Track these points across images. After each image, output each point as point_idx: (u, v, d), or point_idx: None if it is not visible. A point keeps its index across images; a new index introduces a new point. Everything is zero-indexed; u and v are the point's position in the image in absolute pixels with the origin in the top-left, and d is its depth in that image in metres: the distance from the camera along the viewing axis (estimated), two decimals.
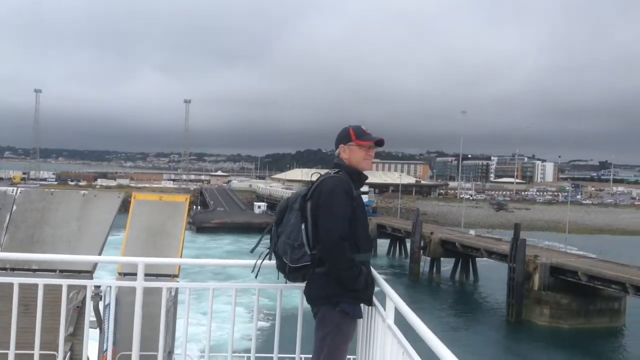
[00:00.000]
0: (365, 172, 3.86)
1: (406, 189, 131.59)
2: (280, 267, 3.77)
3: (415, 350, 2.95)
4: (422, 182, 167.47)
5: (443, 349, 2.41)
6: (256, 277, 3.95)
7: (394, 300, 3.35)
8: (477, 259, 51.44)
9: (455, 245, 50.83)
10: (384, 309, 3.50)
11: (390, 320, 3.39)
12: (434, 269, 52.58)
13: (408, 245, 58.10)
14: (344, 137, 3.82)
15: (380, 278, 3.79)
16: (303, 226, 3.62)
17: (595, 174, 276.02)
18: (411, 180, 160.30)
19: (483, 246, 48.12)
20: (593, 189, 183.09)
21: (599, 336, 36.40)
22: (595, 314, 38.12)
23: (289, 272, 3.70)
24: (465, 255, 51.36)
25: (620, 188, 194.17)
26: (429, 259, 52.82)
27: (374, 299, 3.75)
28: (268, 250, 3.87)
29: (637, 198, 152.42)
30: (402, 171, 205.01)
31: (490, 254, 46.66)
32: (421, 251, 52.82)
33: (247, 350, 4.50)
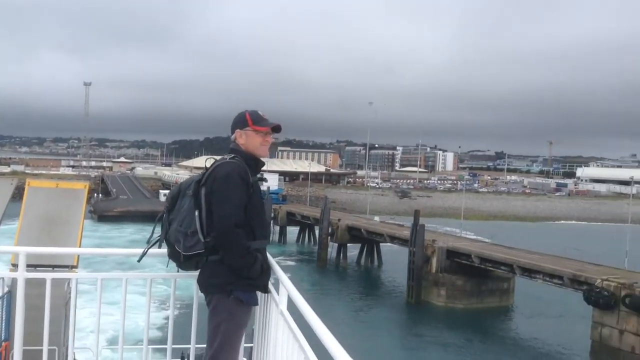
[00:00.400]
0: (263, 159, 3.79)
1: (316, 177, 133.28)
2: (173, 255, 3.65)
3: (308, 336, 2.93)
4: (332, 170, 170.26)
5: (328, 335, 2.40)
6: (139, 261, 3.87)
7: (287, 287, 3.33)
8: (381, 244, 53.40)
9: (361, 231, 52.42)
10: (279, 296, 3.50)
11: (283, 306, 3.38)
12: (341, 255, 53.97)
13: (317, 232, 59.09)
14: (240, 122, 3.74)
15: (275, 265, 3.76)
16: (197, 213, 3.52)
17: (491, 164, 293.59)
18: (321, 168, 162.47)
19: (386, 232, 50.02)
20: (489, 177, 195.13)
21: (490, 314, 39.14)
22: (487, 294, 40.90)
23: (182, 261, 3.60)
24: (370, 240, 53.17)
25: (514, 177, 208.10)
26: (336, 245, 54.10)
27: (270, 286, 3.72)
28: (158, 238, 3.75)
29: (528, 186, 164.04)
30: (312, 160, 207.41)
31: (393, 239, 48.61)
32: (329, 237, 53.96)
33: (153, 341, 4.46)
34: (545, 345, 32.72)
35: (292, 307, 3.23)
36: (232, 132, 3.79)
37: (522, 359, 30.68)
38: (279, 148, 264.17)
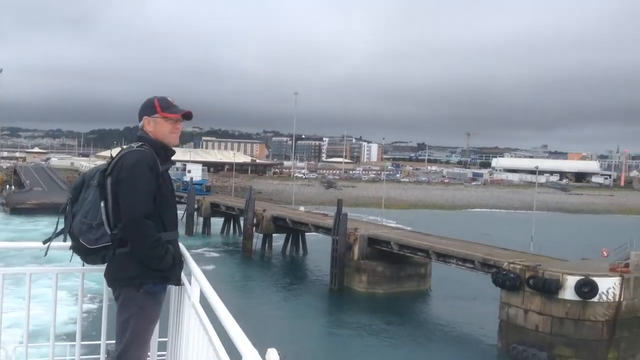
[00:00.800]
0: (173, 148, 3.66)
1: (242, 167, 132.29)
2: (77, 248, 3.50)
3: (220, 330, 2.90)
4: (258, 161, 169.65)
5: (236, 329, 2.38)
6: (45, 255, 3.72)
7: (199, 279, 3.24)
8: (306, 233, 54.13)
9: (286, 221, 52.93)
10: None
11: (196, 299, 3.31)
12: (266, 245, 54.26)
13: (242, 222, 59.01)
14: (148, 108, 3.59)
15: (188, 256, 3.67)
16: (102, 204, 3.38)
17: (413, 155, 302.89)
18: (247, 159, 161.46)
19: (311, 221, 50.84)
20: (411, 168, 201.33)
21: (409, 298, 40.90)
22: (405, 279, 42.66)
23: (87, 254, 3.47)
24: (295, 230, 53.81)
25: (434, 167, 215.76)
26: (261, 235, 54.32)
27: (184, 279, 3.62)
28: (61, 230, 3.57)
29: (447, 176, 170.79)
30: (238, 150, 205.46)
31: (317, 228, 49.50)
32: (254, 228, 54.08)
33: (69, 337, 4.39)
34: (458, 326, 34.68)
35: (206, 300, 3.20)
36: (140, 120, 3.63)
37: (437, 339, 32.39)
38: (204, 138, 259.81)
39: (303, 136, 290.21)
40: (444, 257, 37.10)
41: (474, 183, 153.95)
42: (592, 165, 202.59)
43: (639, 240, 31.51)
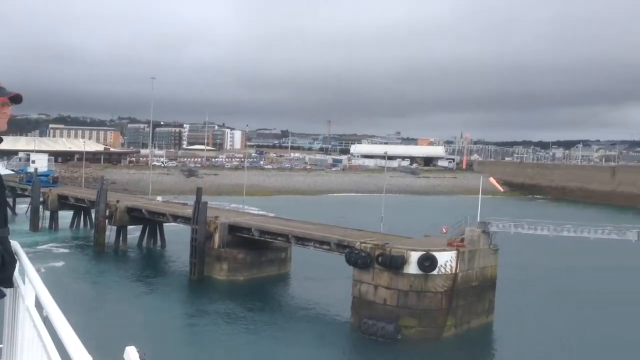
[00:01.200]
0: (0, 134, 3.33)
1: (94, 157, 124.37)
2: None
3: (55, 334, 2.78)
4: (112, 149, 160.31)
5: (69, 335, 2.26)
6: None
7: (33, 280, 3.10)
8: (164, 224, 52.56)
9: (142, 212, 50.94)
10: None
11: (30, 302, 3.15)
12: (120, 238, 51.80)
13: (93, 215, 55.68)
14: None
15: (23, 255, 3.47)
16: None
17: (277, 142, 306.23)
18: (100, 147, 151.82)
19: (169, 211, 49.45)
20: (275, 155, 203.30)
21: (270, 283, 41.66)
22: (266, 264, 43.37)
23: None
24: (152, 221, 51.97)
25: (297, 154, 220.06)
26: (115, 227, 51.72)
27: (18, 280, 3.42)
28: None
29: (309, 163, 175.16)
30: (90, 138, 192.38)
31: (176, 218, 48.31)
32: (106, 220, 51.32)
33: None
34: (316, 306, 36.11)
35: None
36: None
37: (295, 320, 33.46)
38: (51, 126, 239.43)
39: (162, 123, 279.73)
40: (302, 240, 38.28)
41: (334, 169, 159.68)
42: (438, 150, 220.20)
43: (473, 217, 34.93)
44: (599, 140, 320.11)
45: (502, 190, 53.21)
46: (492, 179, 42.27)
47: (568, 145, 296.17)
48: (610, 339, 31.90)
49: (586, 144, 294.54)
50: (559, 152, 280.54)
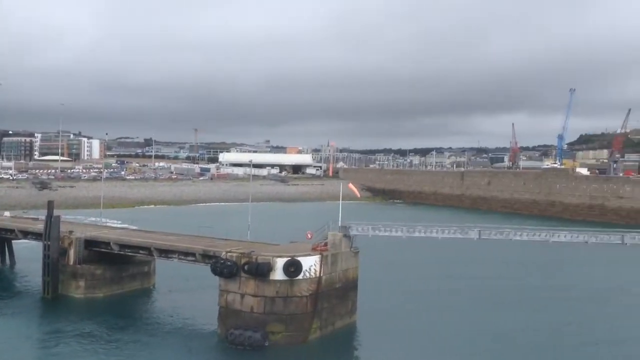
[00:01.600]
0: None
1: None
2: None
3: None
4: None
5: None
6: None
7: None
8: (13, 241, 48.45)
9: None
10: None
11: None
12: None
13: None
14: None
15: None
16: None
17: (140, 151, 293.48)
18: None
19: (18, 227, 45.53)
20: (138, 164, 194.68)
21: (132, 299, 39.90)
22: (128, 279, 41.50)
23: None
24: None
25: (162, 163, 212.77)
26: None
27: None
28: None
29: (175, 172, 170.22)
30: None
31: (26, 234, 44.63)
32: None
33: None
34: (181, 319, 35.28)
35: None
36: None
37: (160, 335, 32.37)
38: None
39: (10, 132, 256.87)
40: (166, 252, 37.21)
41: (202, 178, 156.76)
42: (306, 158, 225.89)
43: (335, 222, 36.41)
44: (451, 148, 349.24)
45: (359, 195, 56.18)
46: (350, 185, 44.28)
47: (424, 152, 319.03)
48: (462, 327, 35.06)
49: (439, 151, 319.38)
50: (416, 159, 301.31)
